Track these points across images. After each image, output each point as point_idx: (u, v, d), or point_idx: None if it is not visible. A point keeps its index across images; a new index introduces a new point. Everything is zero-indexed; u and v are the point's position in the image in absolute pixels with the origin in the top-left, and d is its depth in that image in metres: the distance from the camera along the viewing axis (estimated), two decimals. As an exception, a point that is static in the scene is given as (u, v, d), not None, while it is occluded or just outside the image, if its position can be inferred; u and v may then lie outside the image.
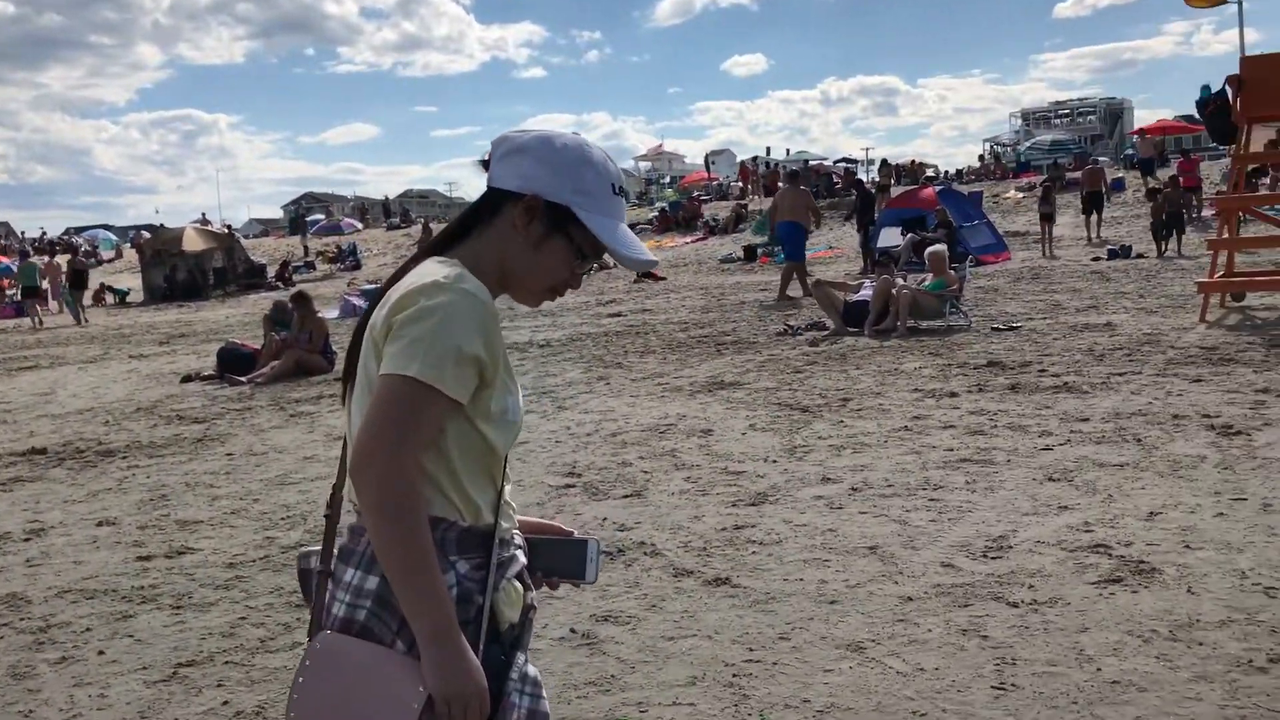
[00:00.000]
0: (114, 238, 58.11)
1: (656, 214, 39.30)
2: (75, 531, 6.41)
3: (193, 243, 33.95)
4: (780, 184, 25.48)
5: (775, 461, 6.88)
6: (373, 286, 24.48)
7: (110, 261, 48.11)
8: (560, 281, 1.90)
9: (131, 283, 35.82)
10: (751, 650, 4.06)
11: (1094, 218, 25.72)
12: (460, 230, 1.91)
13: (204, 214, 51.77)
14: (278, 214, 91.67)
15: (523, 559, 1.90)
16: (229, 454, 8.45)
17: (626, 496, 6.30)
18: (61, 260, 32.02)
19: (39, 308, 27.01)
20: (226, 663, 4.29)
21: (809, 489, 6.19)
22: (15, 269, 32.14)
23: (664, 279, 24.69)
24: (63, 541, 6.21)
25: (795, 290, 17.57)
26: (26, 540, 6.28)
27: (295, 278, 34.70)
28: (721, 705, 3.63)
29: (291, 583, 5.17)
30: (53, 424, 10.49)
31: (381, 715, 1.67)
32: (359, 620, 1.75)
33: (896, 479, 6.26)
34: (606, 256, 1.88)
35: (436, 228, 44.68)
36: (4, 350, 19.21)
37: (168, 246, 34.29)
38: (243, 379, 12.48)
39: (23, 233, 67.61)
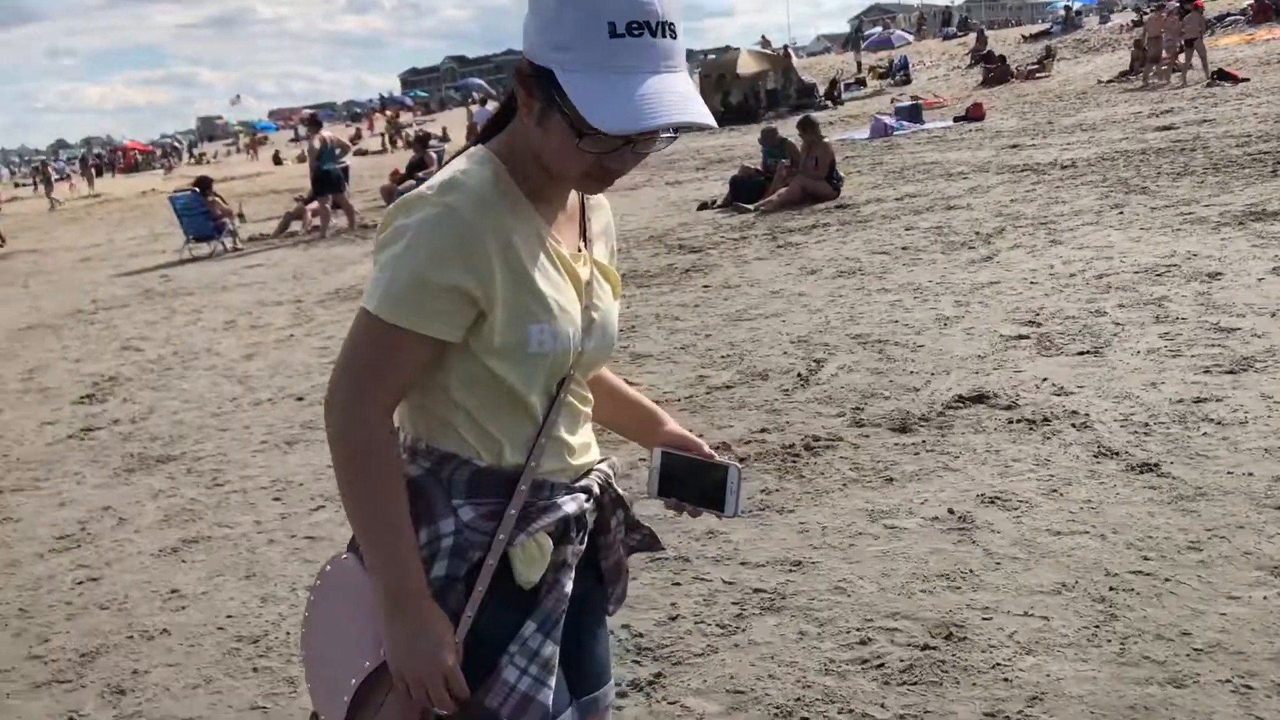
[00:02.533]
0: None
1: (1252, 1, 33.76)
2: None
3: (746, 66, 34.77)
4: None
5: (1286, 317, 5.70)
6: (910, 104, 23.67)
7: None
8: (588, 166, 1.45)
9: (694, 108, 37.66)
10: (1146, 559, 3.42)
11: None
12: (510, 109, 1.57)
13: (764, 35, 52.73)
14: (845, 30, 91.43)
15: (571, 507, 1.58)
16: (705, 286, 8.66)
17: (1081, 354, 5.56)
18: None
19: None
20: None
21: (1314, 355, 5.06)
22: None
23: (1245, 80, 21.29)
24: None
25: None
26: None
27: (844, 96, 34.50)
28: (1079, 624, 3.10)
29: (702, 424, 5.21)
30: (574, 251, 11.40)
31: (344, 660, 1.53)
32: None
33: None
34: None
35: (993, 35, 42.04)
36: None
37: (725, 71, 35.47)
38: (749, 206, 12.71)
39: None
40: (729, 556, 3.83)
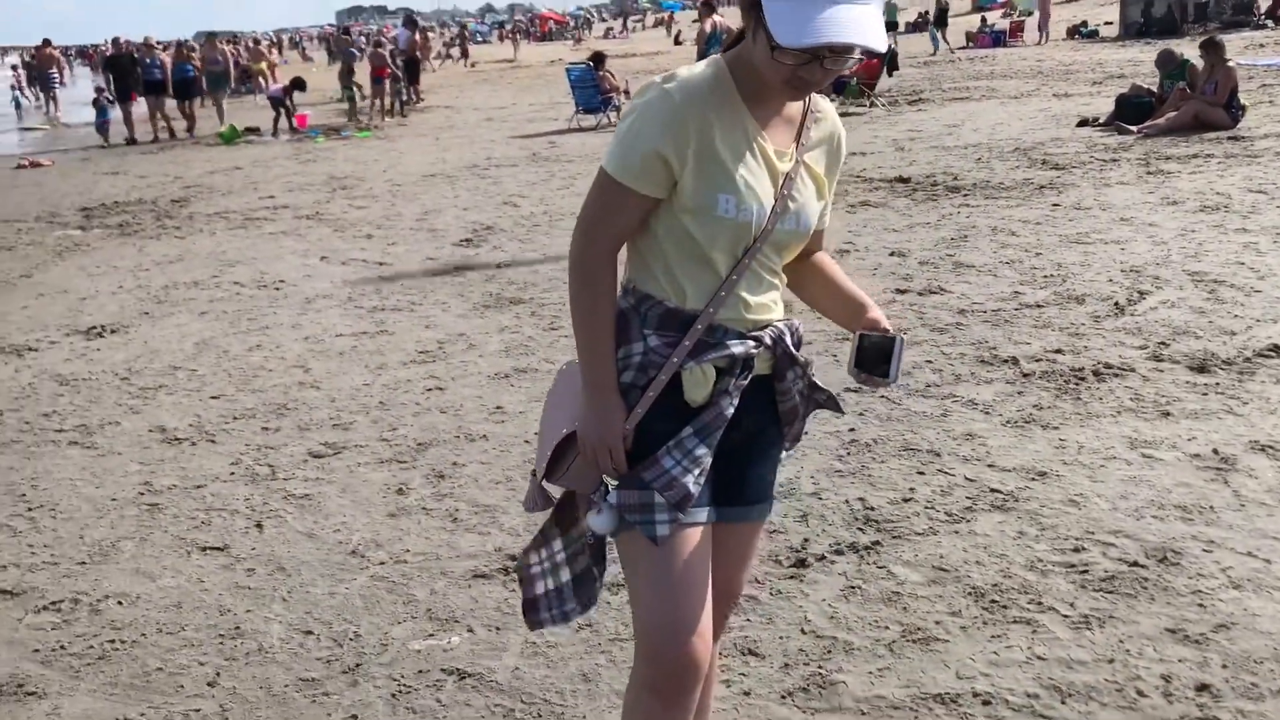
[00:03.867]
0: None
1: None
2: (872, 252, 7.15)
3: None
4: None
5: None
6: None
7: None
8: (786, 75, 1.79)
9: (1110, 16, 35.07)
10: (1404, 528, 3.34)
11: None
12: None
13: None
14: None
15: (738, 349, 1.94)
16: (1055, 204, 8.49)
17: None
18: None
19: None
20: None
21: None
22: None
23: None
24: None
25: None
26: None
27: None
28: (1301, 573, 3.13)
29: (999, 337, 5.34)
30: (933, 156, 11.36)
31: (555, 427, 2.04)
32: None
33: None
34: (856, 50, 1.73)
35: None
36: (952, 80, 20.56)
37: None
38: (1132, 128, 12.03)
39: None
40: (979, 458, 4.05)
